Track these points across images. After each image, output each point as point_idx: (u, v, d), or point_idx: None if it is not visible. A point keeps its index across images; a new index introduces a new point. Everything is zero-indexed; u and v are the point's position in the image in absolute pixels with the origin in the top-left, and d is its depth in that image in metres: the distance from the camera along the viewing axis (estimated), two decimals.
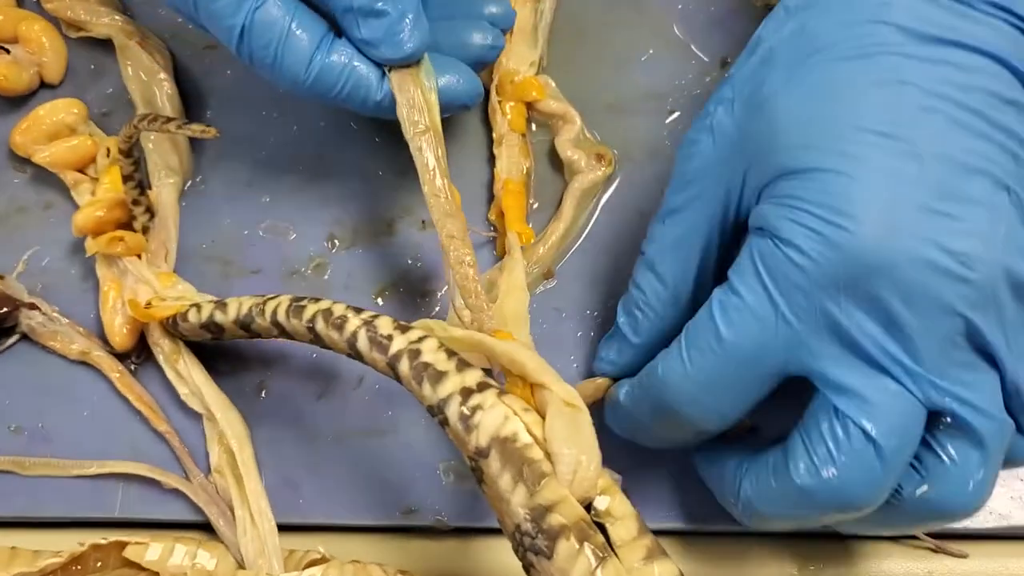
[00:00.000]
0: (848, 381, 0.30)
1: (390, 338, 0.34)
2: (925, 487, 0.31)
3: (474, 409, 0.32)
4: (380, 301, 0.43)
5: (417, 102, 0.38)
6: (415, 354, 0.33)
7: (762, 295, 0.31)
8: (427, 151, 0.38)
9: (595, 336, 0.42)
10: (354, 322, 0.35)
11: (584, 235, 0.44)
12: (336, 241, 0.44)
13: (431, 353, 0.33)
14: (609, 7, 0.49)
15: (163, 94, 0.46)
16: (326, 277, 0.43)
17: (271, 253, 0.44)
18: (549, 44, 0.48)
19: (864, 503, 0.31)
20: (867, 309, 0.30)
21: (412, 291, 0.43)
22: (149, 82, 0.46)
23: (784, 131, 0.31)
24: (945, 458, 0.31)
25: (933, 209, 0.29)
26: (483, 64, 0.42)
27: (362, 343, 0.34)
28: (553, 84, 0.46)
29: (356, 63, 0.37)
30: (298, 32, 0.37)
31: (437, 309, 0.43)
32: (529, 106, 0.46)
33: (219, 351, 0.41)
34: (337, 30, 0.38)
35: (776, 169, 0.31)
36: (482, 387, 0.32)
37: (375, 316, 0.35)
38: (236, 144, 0.46)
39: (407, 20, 0.37)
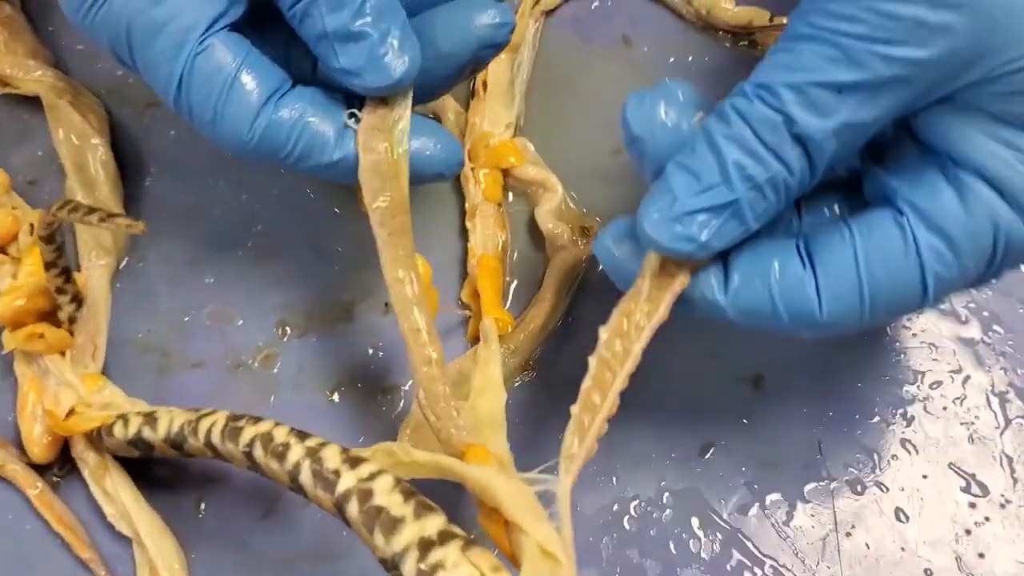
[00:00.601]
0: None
1: (337, 474, 0.29)
2: None
3: (434, 568, 0.27)
4: (336, 398, 0.38)
5: (383, 165, 0.33)
6: (366, 495, 0.29)
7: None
8: (389, 226, 0.33)
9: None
10: (297, 451, 0.30)
11: (566, 319, 0.39)
12: (287, 328, 0.39)
13: (385, 495, 0.29)
14: (593, 59, 0.45)
15: (96, 160, 0.42)
16: (275, 370, 0.39)
17: (215, 343, 0.39)
18: (527, 101, 0.43)
19: None
20: None
21: (372, 387, 0.38)
22: (81, 146, 0.42)
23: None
24: None
25: None
26: (494, 48, 0.34)
27: (305, 477, 0.30)
28: (531, 147, 0.42)
29: (310, 118, 0.32)
30: (245, 82, 0.32)
31: (401, 406, 0.38)
32: (505, 173, 0.42)
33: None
34: (297, 79, 0.33)
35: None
36: (444, 538, 0.28)
37: (322, 445, 0.30)
38: (178, 217, 0.42)
39: (392, 41, 0.31)
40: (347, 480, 0.29)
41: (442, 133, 0.34)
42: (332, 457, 0.30)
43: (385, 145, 0.33)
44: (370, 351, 0.39)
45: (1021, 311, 0.40)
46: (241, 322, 0.40)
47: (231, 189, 0.42)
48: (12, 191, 0.41)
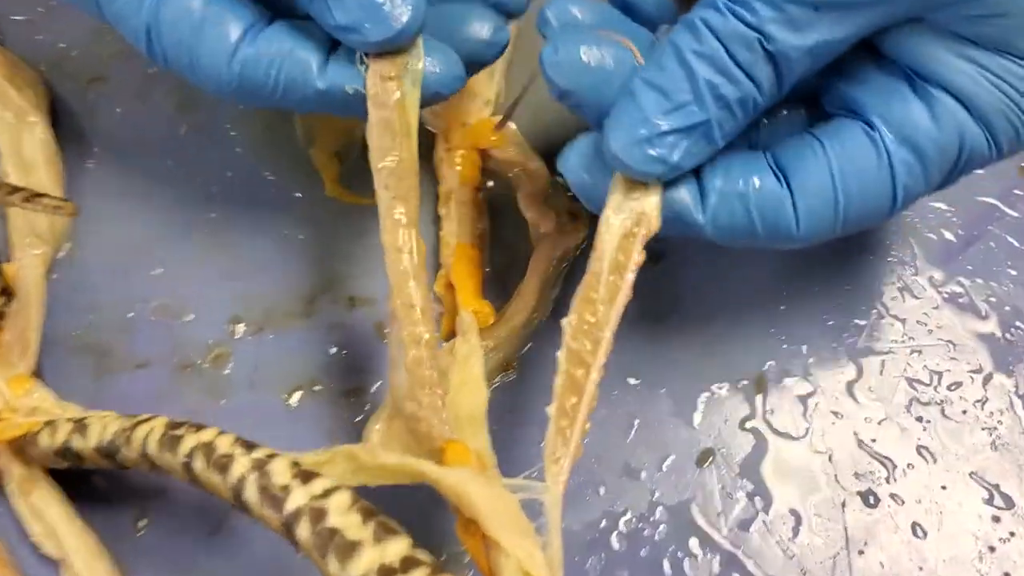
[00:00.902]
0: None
1: (287, 490, 0.26)
2: None
3: None
4: (293, 401, 0.35)
5: (395, 123, 0.30)
6: (319, 515, 0.25)
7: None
8: (394, 189, 0.30)
9: None
10: (242, 463, 0.27)
11: (553, 314, 0.36)
12: (242, 324, 0.36)
13: (340, 514, 0.25)
14: None
15: (33, 139, 0.38)
16: (227, 371, 0.35)
17: (161, 341, 0.36)
18: (508, 75, 0.40)
19: None
20: None
21: (335, 389, 0.35)
22: (17, 124, 0.38)
23: None
24: None
25: None
26: (479, 66, 0.32)
27: (250, 493, 0.26)
28: (513, 127, 0.38)
29: (289, 50, 0.29)
30: (215, 23, 0.29)
31: (367, 410, 0.35)
32: (484, 154, 0.38)
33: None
34: (275, 13, 0.31)
35: None
36: (408, 566, 0.24)
37: (271, 456, 0.27)
38: (123, 202, 0.38)
39: None
40: (297, 497, 0.26)
41: (440, 49, 0.31)
42: (281, 471, 0.26)
43: (397, 97, 0.30)
44: (333, 350, 0.35)
45: None
46: (191, 317, 0.36)
47: (183, 171, 0.39)
48: None
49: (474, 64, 0.32)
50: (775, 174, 0.29)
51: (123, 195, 0.38)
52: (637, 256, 0.29)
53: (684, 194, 0.29)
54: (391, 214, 0.30)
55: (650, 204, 0.29)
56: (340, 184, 0.38)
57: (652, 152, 0.27)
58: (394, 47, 0.29)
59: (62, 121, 0.39)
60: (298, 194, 0.38)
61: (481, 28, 0.31)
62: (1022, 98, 0.28)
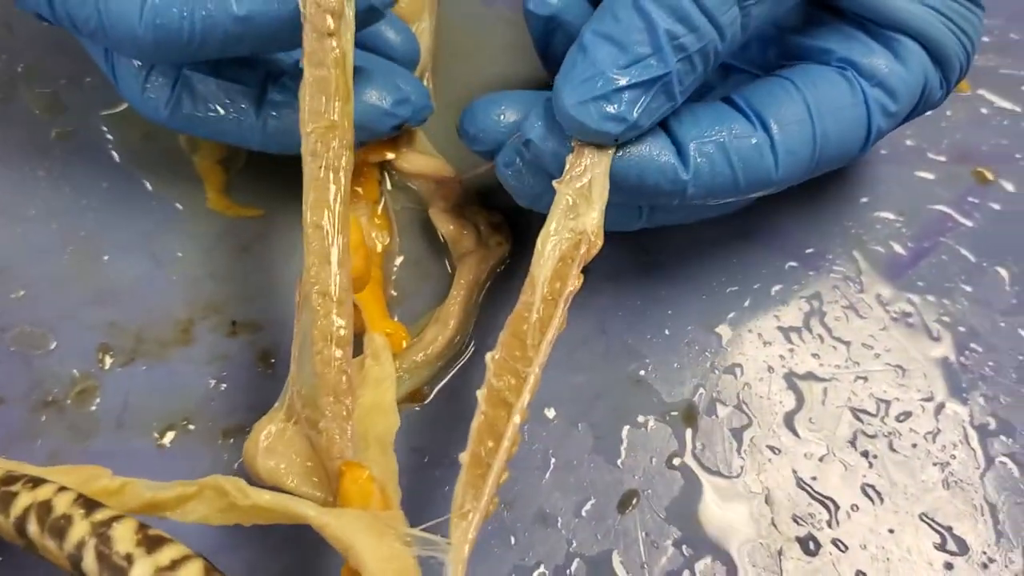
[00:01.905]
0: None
1: (130, 559, 0.22)
2: None
3: None
4: (166, 441, 0.31)
5: (331, 79, 0.28)
6: None
7: None
8: (323, 157, 0.27)
9: None
10: (81, 528, 0.23)
11: (472, 341, 0.33)
12: (110, 355, 0.32)
13: None
14: (499, 24, 0.38)
15: None
16: (93, 408, 0.32)
17: (19, 374, 0.32)
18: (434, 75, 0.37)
19: None
20: None
21: (212, 427, 0.32)
22: None
23: None
24: None
25: None
26: (368, 133, 0.32)
27: (89, 562, 0.23)
28: (422, 135, 0.35)
29: None
30: None
31: None
32: (388, 165, 0.35)
33: None
34: None
35: None
36: None
37: (114, 518, 0.23)
38: None
39: None
40: (141, 569, 0.22)
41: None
42: (124, 537, 0.23)
43: (336, 54, 0.28)
44: (212, 383, 0.32)
45: (1002, 325, 0.34)
46: (53, 346, 0.33)
47: (52, 182, 0.36)
48: None
49: (362, 131, 0.31)
50: (748, 118, 0.29)
51: None
52: (575, 282, 0.27)
53: (667, 155, 0.28)
54: (317, 185, 0.27)
55: (591, 222, 0.27)
56: (224, 195, 0.35)
57: (609, 109, 0.26)
58: None
59: None
60: (178, 205, 0.35)
61: (379, 95, 0.32)
62: (967, 38, 0.31)
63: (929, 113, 0.35)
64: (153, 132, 0.36)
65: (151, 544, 0.23)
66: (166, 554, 0.23)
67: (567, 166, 0.27)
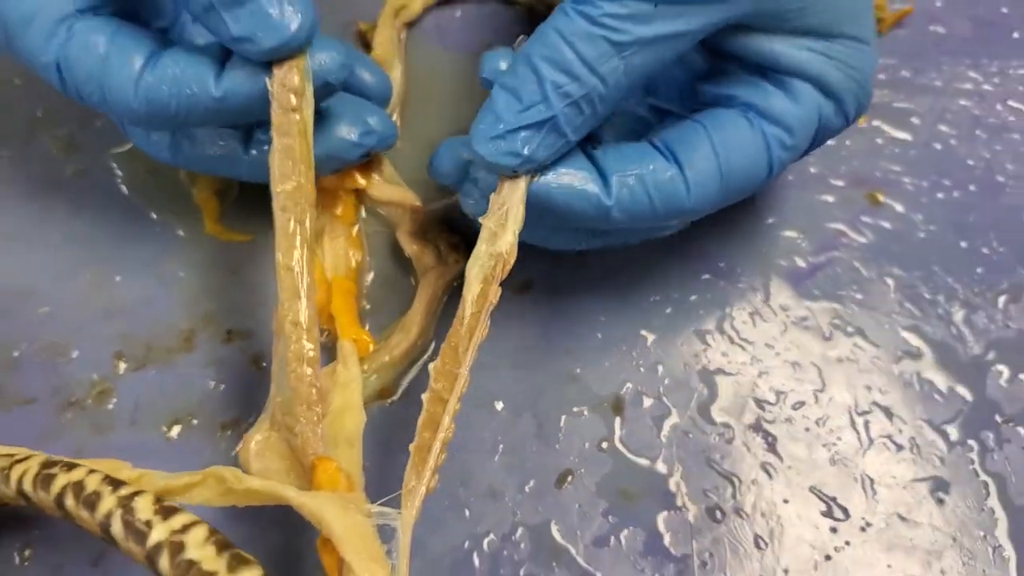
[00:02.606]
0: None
1: (149, 525, 0.28)
2: None
3: None
4: (173, 434, 0.37)
5: (295, 146, 0.33)
6: (178, 548, 0.28)
7: None
8: (292, 211, 0.33)
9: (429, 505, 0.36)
10: (108, 501, 0.29)
11: (434, 343, 0.39)
12: (123, 361, 0.38)
13: (197, 548, 0.28)
14: (460, 68, 0.44)
15: None
16: (110, 406, 0.37)
17: (46, 378, 0.38)
18: (403, 118, 0.43)
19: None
20: None
21: (212, 421, 0.37)
22: None
23: None
24: None
25: None
26: (338, 162, 0.38)
27: (116, 528, 0.29)
28: (389, 166, 0.41)
29: (184, 66, 0.33)
30: (120, 56, 0.33)
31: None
32: (361, 194, 0.40)
33: None
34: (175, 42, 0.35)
35: None
36: None
37: (135, 493, 0.29)
38: (11, 242, 0.40)
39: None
40: (159, 532, 0.28)
41: (325, 43, 0.34)
42: (144, 507, 0.29)
43: (299, 126, 0.33)
44: (211, 383, 0.38)
45: (886, 327, 0.40)
46: (75, 355, 0.38)
47: (69, 213, 0.41)
48: None
49: (332, 160, 0.37)
50: (665, 156, 0.33)
51: (9, 237, 0.40)
52: (494, 297, 0.32)
53: (592, 186, 0.33)
54: (287, 234, 0.33)
55: (506, 243, 0.32)
56: (219, 223, 0.41)
57: (505, 146, 0.31)
58: (289, 52, 0.32)
59: None
60: (180, 232, 0.41)
61: (349, 129, 0.37)
62: (857, 72, 0.35)
63: (831, 143, 0.41)
64: (157, 168, 0.42)
65: (166, 513, 0.29)
66: (178, 520, 0.28)
67: (491, 203, 0.33)
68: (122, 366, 0.38)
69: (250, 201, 0.41)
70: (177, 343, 0.39)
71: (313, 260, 0.33)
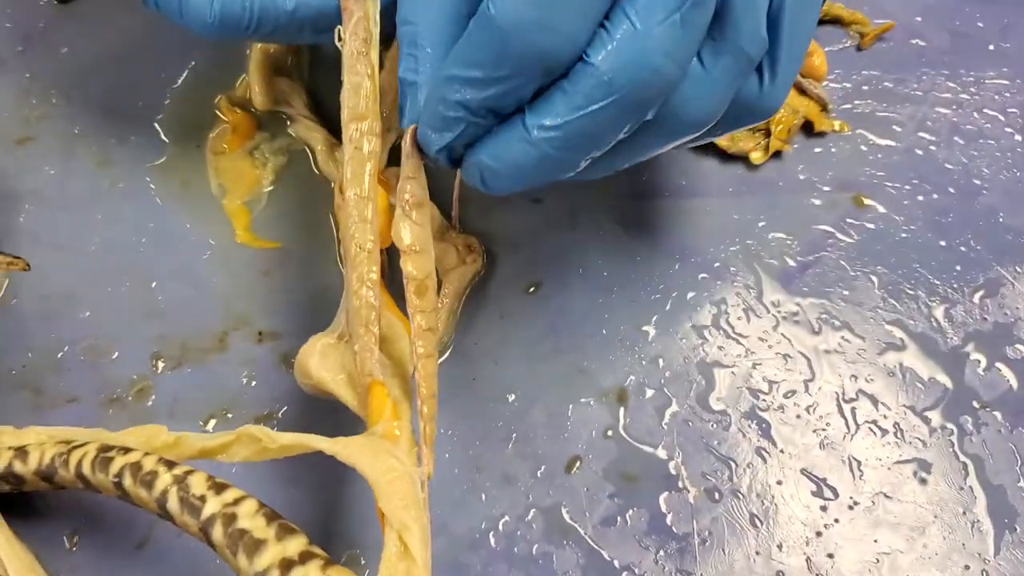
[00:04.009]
0: None
1: (203, 499, 0.32)
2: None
3: None
4: (209, 428, 0.40)
5: (364, 88, 0.37)
6: (230, 519, 0.31)
7: None
8: (357, 142, 0.36)
9: (450, 490, 0.40)
10: (164, 479, 0.33)
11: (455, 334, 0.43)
12: (161, 361, 0.42)
13: (248, 518, 0.31)
14: None
15: None
16: (149, 403, 0.41)
17: (89, 377, 0.42)
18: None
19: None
20: None
21: (246, 415, 0.41)
22: None
23: None
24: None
25: None
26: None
27: (172, 504, 0.32)
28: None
29: None
30: None
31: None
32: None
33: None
34: None
35: None
36: (305, 558, 0.30)
37: (188, 472, 0.33)
38: (55, 251, 0.44)
39: None
40: (212, 505, 0.32)
41: None
42: (198, 484, 0.32)
43: (367, 63, 0.36)
44: (244, 380, 0.41)
45: (871, 320, 0.44)
46: (116, 355, 0.42)
47: (108, 223, 0.45)
48: None
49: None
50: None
51: (53, 246, 0.44)
52: None
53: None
54: (354, 163, 0.36)
55: None
56: (249, 231, 0.44)
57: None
58: None
59: None
60: (211, 240, 0.44)
61: None
62: None
63: (819, 151, 0.45)
64: (189, 181, 0.45)
65: (218, 488, 0.32)
66: (230, 494, 0.32)
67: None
68: (160, 365, 0.42)
69: (277, 212, 0.45)
70: (211, 344, 0.42)
71: (376, 190, 0.36)
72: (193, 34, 0.38)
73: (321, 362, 0.36)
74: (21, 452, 0.36)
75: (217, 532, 0.31)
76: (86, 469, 0.34)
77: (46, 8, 0.49)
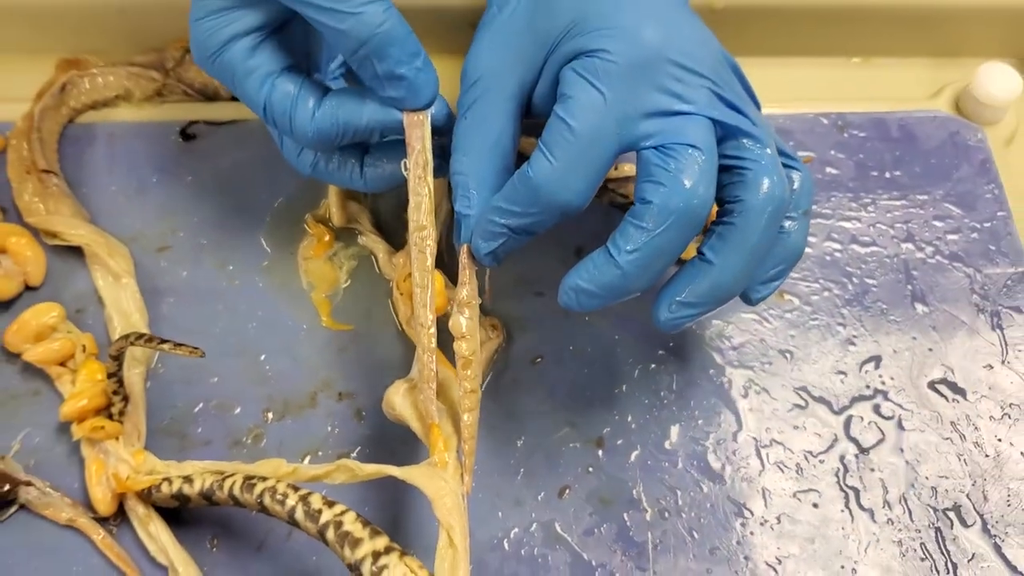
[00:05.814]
0: (660, 128, 0.46)
1: (320, 512, 0.49)
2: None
3: (381, 568, 0.47)
4: (306, 462, 0.58)
5: (423, 206, 0.50)
6: (339, 524, 0.49)
7: (591, 89, 0.45)
8: (420, 246, 0.50)
9: (476, 508, 0.57)
10: (293, 499, 0.50)
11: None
12: (270, 414, 0.57)
13: (350, 524, 0.49)
14: None
15: (127, 295, 0.60)
16: (263, 445, 0.56)
17: (218, 426, 0.56)
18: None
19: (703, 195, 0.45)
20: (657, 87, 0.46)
21: (331, 455, 0.57)
22: (115, 284, 0.60)
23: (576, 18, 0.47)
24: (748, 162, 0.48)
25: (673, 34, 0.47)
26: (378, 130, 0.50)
27: (299, 515, 0.50)
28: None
29: (343, 105, 0.48)
30: (303, 99, 0.48)
31: None
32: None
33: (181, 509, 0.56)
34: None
35: (577, 45, 0.47)
36: (388, 550, 0.48)
37: (308, 493, 0.50)
38: (189, 334, 0.60)
39: (420, 76, 0.47)
40: (326, 515, 0.49)
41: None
42: (316, 501, 0.50)
43: (426, 185, 0.49)
44: (328, 428, 0.57)
45: (783, 387, 0.61)
46: (237, 410, 0.57)
47: (228, 312, 0.60)
48: (67, 319, 0.60)
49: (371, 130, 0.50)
50: None
51: (187, 330, 0.61)
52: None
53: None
54: (418, 261, 0.50)
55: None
56: (331, 317, 0.60)
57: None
58: (423, 107, 0.48)
59: (142, 277, 0.59)
60: (304, 325, 0.61)
61: (373, 110, 0.49)
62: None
63: None
64: (287, 282, 0.60)
65: (330, 504, 0.50)
66: (338, 507, 0.49)
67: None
68: (269, 416, 0.57)
69: (350, 302, 0.60)
70: (305, 401, 0.58)
71: (434, 278, 0.49)
72: (300, 144, 0.51)
73: (402, 401, 0.52)
74: (187, 479, 0.53)
75: (330, 534, 0.49)
76: (236, 491, 0.52)
77: (174, 145, 0.66)
